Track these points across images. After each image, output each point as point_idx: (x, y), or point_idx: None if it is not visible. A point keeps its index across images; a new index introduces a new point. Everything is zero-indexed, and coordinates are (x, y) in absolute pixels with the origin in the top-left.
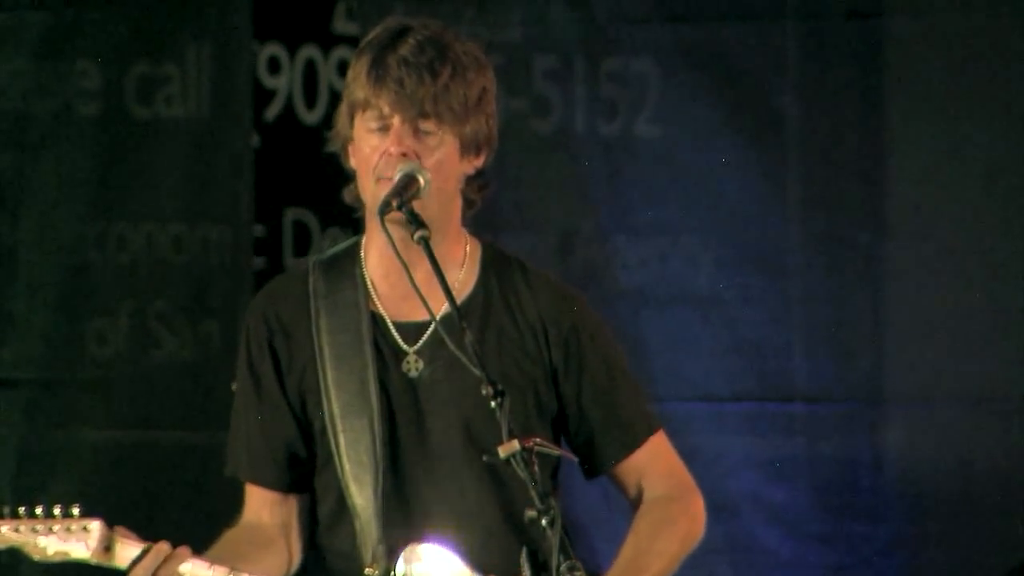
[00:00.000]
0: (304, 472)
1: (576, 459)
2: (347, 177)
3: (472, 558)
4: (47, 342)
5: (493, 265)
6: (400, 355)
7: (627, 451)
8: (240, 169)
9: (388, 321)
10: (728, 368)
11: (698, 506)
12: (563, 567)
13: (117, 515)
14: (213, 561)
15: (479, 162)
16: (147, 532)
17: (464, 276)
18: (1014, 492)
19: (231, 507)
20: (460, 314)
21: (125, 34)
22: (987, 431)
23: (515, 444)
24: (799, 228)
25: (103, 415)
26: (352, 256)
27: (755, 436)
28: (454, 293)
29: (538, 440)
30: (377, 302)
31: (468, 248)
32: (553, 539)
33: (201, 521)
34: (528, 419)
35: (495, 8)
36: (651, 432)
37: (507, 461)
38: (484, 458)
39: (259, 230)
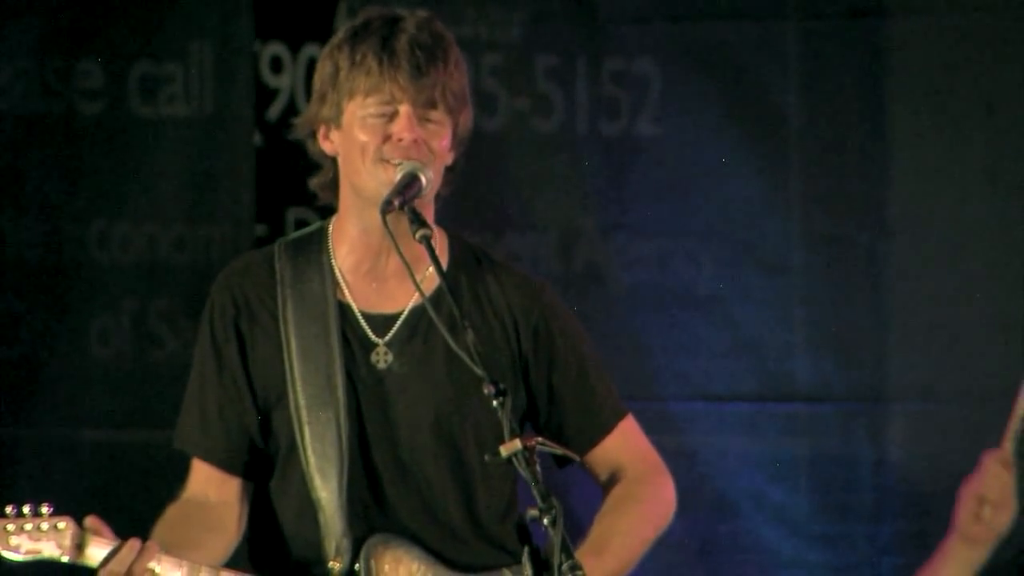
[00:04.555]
0: (253, 457)
1: (578, 458)
2: None
3: (436, 552)
4: (48, 342)
5: (461, 257)
6: (369, 347)
7: (599, 437)
8: (242, 168)
9: (357, 312)
10: (729, 367)
11: (668, 488)
12: (564, 566)
13: (117, 515)
14: (178, 555)
15: (454, 155)
16: (147, 532)
17: (433, 268)
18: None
19: None
20: (462, 312)
21: (127, 33)
22: (988, 430)
23: (517, 443)
24: (800, 227)
25: (104, 415)
26: (319, 243)
27: (756, 436)
28: (425, 286)
29: (540, 439)
30: (346, 292)
31: (437, 239)
32: (555, 538)
33: None
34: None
35: (496, 8)
36: (620, 417)
37: (509, 460)
38: (486, 458)
39: (261, 229)
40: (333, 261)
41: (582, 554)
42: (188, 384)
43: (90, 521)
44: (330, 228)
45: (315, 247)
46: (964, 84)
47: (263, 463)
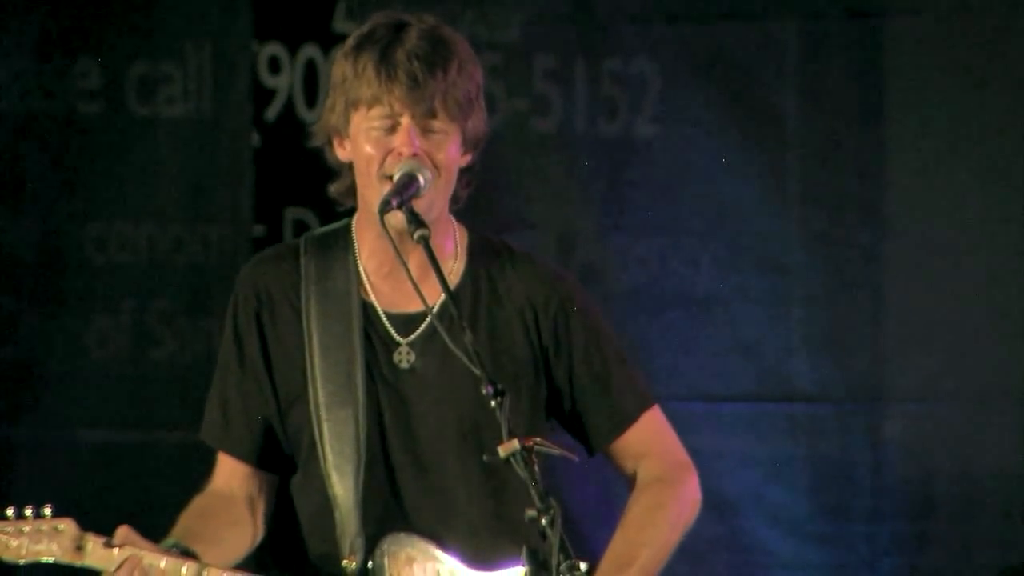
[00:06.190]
0: (277, 451)
1: (576, 459)
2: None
3: (454, 552)
4: (46, 342)
5: (481, 253)
6: (392, 346)
7: (621, 428)
8: (240, 169)
9: (380, 311)
10: (727, 368)
11: (692, 486)
12: (563, 566)
13: (116, 516)
14: (199, 548)
15: (471, 157)
16: (147, 534)
17: (454, 267)
18: (1014, 492)
19: None
20: (460, 313)
21: (125, 34)
22: (987, 431)
23: (515, 443)
24: (798, 227)
25: (103, 415)
26: (344, 241)
27: (754, 436)
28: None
29: (538, 440)
30: (370, 292)
31: (457, 237)
32: (553, 538)
33: None
34: (519, 407)
35: (495, 8)
36: (644, 408)
37: (507, 461)
38: (484, 458)
39: (259, 230)
40: (358, 260)
41: (607, 569)
42: (213, 377)
43: (123, 531)
44: (354, 226)
45: (340, 245)
46: (963, 84)
47: (287, 457)
